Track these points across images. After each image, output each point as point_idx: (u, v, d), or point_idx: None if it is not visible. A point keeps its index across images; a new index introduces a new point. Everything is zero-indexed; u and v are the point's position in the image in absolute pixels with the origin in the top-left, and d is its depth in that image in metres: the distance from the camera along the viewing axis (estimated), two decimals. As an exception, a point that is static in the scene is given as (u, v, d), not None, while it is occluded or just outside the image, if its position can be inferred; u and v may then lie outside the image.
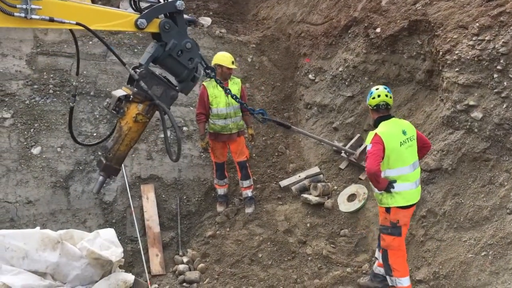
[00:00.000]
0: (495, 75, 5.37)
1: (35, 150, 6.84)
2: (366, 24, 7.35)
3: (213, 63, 6.65)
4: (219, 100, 6.66)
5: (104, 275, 4.05)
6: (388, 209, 4.93)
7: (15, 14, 2.86)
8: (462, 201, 5.43)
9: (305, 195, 6.90)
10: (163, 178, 7.25)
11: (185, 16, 9.83)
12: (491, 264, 4.89)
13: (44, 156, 6.84)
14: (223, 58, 6.62)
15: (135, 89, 3.44)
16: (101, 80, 7.52)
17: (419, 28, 6.54)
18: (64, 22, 3.02)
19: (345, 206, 6.64)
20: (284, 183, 7.35)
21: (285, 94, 8.65)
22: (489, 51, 5.41)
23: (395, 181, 4.82)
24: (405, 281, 4.97)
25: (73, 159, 6.94)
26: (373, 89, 5.05)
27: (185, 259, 6.52)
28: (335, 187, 6.99)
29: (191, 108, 7.81)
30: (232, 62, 6.65)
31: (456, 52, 5.72)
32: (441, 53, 5.94)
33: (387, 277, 5.06)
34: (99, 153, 6.98)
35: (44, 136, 6.94)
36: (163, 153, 7.34)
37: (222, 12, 10.86)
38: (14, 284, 3.47)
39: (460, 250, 5.19)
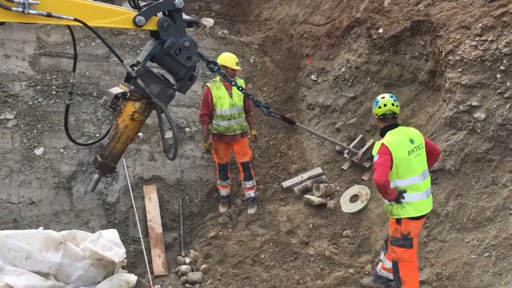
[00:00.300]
0: (498, 76, 5.36)
1: (38, 151, 6.86)
2: (368, 25, 7.35)
3: None
4: (223, 101, 6.66)
5: (107, 275, 4.05)
6: (398, 220, 4.78)
7: (13, 8, 2.84)
8: (465, 202, 5.42)
9: (307, 196, 6.89)
10: (165, 179, 7.26)
11: (188, 17, 9.85)
12: (494, 265, 4.87)
13: (47, 157, 6.86)
14: (227, 59, 6.63)
15: (132, 86, 3.41)
16: (104, 81, 7.54)
17: (422, 28, 6.53)
18: (61, 18, 3.01)
19: (347, 207, 6.63)
20: (286, 184, 7.34)
21: (288, 95, 8.65)
22: (492, 51, 5.40)
23: (405, 191, 4.69)
24: None
25: (76, 160, 6.96)
26: (379, 98, 4.89)
27: (187, 260, 6.52)
28: (338, 188, 6.98)
29: (194, 109, 7.81)
30: (237, 63, 6.65)
31: (459, 52, 5.71)
32: (443, 53, 5.93)
33: None
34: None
35: (47, 137, 6.95)
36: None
37: (225, 13, 10.88)
38: (17, 284, 3.48)
39: (463, 251, 5.18)
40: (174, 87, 3.63)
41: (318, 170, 7.37)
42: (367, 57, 7.32)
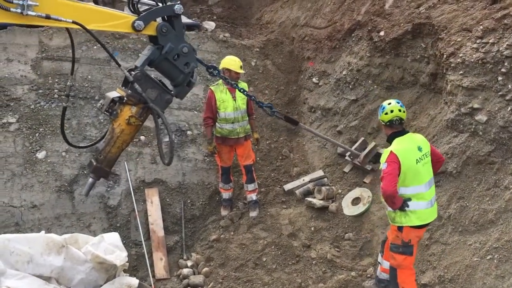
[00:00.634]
0: (500, 78, 5.36)
1: (40, 155, 6.87)
2: (369, 28, 7.35)
3: (221, 67, 6.68)
4: (227, 104, 6.66)
5: (109, 279, 4.05)
6: (400, 228, 4.74)
7: (12, 9, 2.86)
8: (467, 204, 5.41)
9: (309, 199, 6.89)
10: (167, 182, 7.26)
11: (189, 20, 9.85)
12: (497, 267, 4.86)
13: (49, 160, 6.87)
14: (231, 62, 6.64)
15: (129, 91, 3.40)
16: (106, 85, 7.55)
17: (423, 31, 6.53)
18: (60, 20, 3.01)
19: (349, 209, 6.63)
20: (288, 186, 7.34)
21: (289, 97, 8.65)
22: (493, 53, 5.39)
23: (409, 199, 4.64)
24: None
25: (78, 163, 6.97)
26: (385, 103, 4.82)
27: (189, 263, 6.51)
28: (339, 191, 6.98)
29: (195, 112, 7.82)
30: (240, 67, 6.66)
31: (460, 55, 5.71)
32: (445, 56, 5.93)
33: None
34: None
35: (49, 141, 6.96)
36: (167, 157, 7.34)
37: (226, 16, 10.90)
38: (19, 288, 3.48)
39: (465, 254, 5.16)
40: (172, 92, 3.61)
41: (319, 173, 7.37)
42: (368, 60, 7.32)
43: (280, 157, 7.91)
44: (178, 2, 3.48)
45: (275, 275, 6.07)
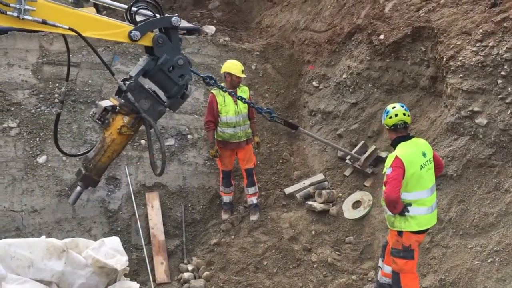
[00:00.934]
0: (499, 81, 5.36)
1: (41, 159, 6.88)
2: (369, 31, 7.37)
3: (222, 71, 6.70)
4: (228, 108, 6.67)
5: (109, 283, 4.05)
6: (400, 233, 4.71)
7: (8, 12, 2.86)
8: (468, 207, 5.40)
9: (309, 202, 6.88)
10: (168, 186, 7.27)
11: (189, 24, 9.85)
12: (498, 271, 4.85)
13: (49, 165, 6.87)
14: (233, 66, 6.65)
15: (122, 100, 3.40)
16: (106, 89, 7.56)
17: (423, 34, 6.55)
18: (56, 26, 3.02)
19: (350, 213, 6.62)
20: (288, 190, 7.34)
21: (289, 101, 8.66)
22: (493, 57, 5.40)
23: (410, 204, 4.61)
24: None
25: (78, 168, 6.96)
26: (389, 107, 4.76)
27: (190, 267, 6.51)
28: (340, 194, 6.97)
29: (196, 116, 7.83)
30: (242, 71, 6.67)
31: (460, 58, 5.72)
32: (444, 59, 5.94)
33: None
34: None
35: (49, 145, 6.97)
36: (168, 161, 7.35)
37: (226, 20, 10.92)
38: (19, 293, 3.48)
39: (466, 257, 5.16)
40: (165, 104, 3.60)
41: (320, 177, 7.37)
42: (368, 63, 7.34)
43: (281, 161, 7.91)
44: (176, 14, 3.49)
45: (276, 279, 6.06)
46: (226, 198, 7.20)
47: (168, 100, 3.67)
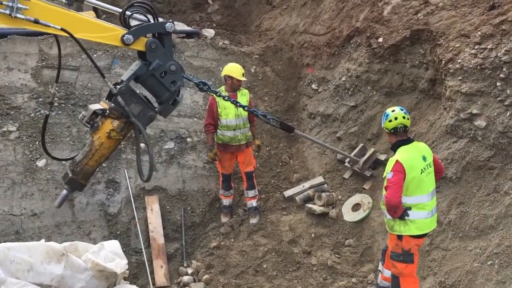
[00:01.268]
0: (498, 84, 5.38)
1: (40, 163, 6.88)
2: (368, 34, 7.38)
3: (223, 74, 6.72)
4: (229, 111, 6.67)
5: (109, 287, 4.04)
6: (400, 237, 4.70)
7: (0, 10, 2.84)
8: (467, 210, 5.41)
9: (309, 205, 6.89)
10: (167, 189, 7.26)
11: (189, 28, 9.83)
12: (497, 273, 4.85)
13: (49, 168, 6.87)
14: (233, 69, 6.66)
15: (112, 104, 3.38)
16: (106, 93, 7.44)
17: (421, 37, 6.56)
18: (48, 26, 3.00)
19: (349, 215, 6.62)
20: (288, 193, 7.34)
21: (289, 104, 8.67)
22: (492, 59, 5.42)
23: (409, 208, 4.59)
24: None
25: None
26: (389, 111, 4.74)
27: (189, 271, 6.50)
28: (340, 197, 6.98)
29: (195, 119, 7.84)
30: (243, 74, 6.68)
31: (459, 60, 5.74)
32: (443, 62, 5.95)
33: None
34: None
35: (49, 149, 6.92)
36: (167, 164, 7.36)
37: (225, 23, 10.94)
38: (19, 297, 3.47)
39: (466, 260, 5.16)
40: (156, 109, 3.58)
41: (319, 179, 7.37)
42: (367, 66, 7.35)
43: (280, 164, 7.91)
44: (170, 20, 3.48)
45: (275, 282, 6.05)
46: (226, 201, 7.20)
47: (159, 106, 3.65)
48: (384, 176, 4.68)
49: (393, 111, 4.71)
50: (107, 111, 3.38)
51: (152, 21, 3.46)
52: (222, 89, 6.74)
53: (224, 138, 6.78)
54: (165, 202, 7.18)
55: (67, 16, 3.15)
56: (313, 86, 8.38)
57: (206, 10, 11.71)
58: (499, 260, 4.90)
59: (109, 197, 6.96)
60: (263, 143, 7.89)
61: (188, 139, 7.69)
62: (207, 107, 6.96)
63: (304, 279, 6.05)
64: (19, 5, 2.90)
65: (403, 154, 4.60)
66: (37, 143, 6.97)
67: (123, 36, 3.29)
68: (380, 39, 7.11)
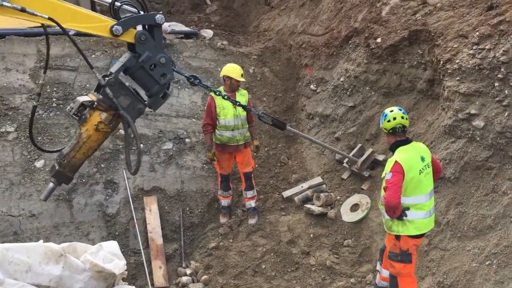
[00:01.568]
0: (496, 84, 5.38)
1: (39, 164, 6.87)
2: (366, 35, 7.39)
3: (221, 74, 6.72)
4: (227, 111, 6.67)
5: (107, 288, 4.04)
6: (398, 237, 4.70)
7: None
8: (466, 210, 5.41)
9: (308, 206, 6.89)
10: (166, 190, 7.26)
11: (187, 28, 9.82)
12: (496, 273, 4.86)
13: (47, 169, 6.85)
14: (232, 70, 6.66)
15: (100, 96, 3.34)
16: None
17: (420, 38, 6.57)
18: (35, 15, 2.97)
19: (348, 216, 6.62)
20: (287, 193, 7.34)
21: (287, 104, 8.67)
22: (490, 59, 5.43)
23: (407, 209, 4.59)
24: None
25: (76, 172, 6.95)
26: (387, 111, 4.72)
27: (188, 271, 6.50)
28: (338, 197, 6.98)
29: (193, 120, 7.83)
30: (241, 75, 6.68)
31: (457, 61, 5.74)
32: (441, 62, 5.96)
33: None
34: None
35: (47, 149, 6.95)
36: (166, 165, 7.36)
37: (224, 24, 10.94)
38: (17, 298, 3.47)
39: (464, 260, 5.16)
40: (145, 102, 3.56)
41: (318, 180, 7.37)
42: (365, 67, 7.35)
43: (279, 164, 7.92)
44: (161, 12, 3.46)
45: (274, 283, 6.05)
46: (225, 202, 7.20)
47: (148, 99, 3.62)
48: (382, 176, 4.68)
49: (391, 111, 4.69)
50: (95, 103, 3.34)
51: (142, 12, 3.44)
52: (221, 89, 6.73)
53: (223, 139, 6.78)
54: (163, 203, 7.18)
55: (55, 5, 3.11)
56: (312, 86, 8.39)
57: (205, 10, 11.72)
58: (497, 260, 4.91)
59: (107, 197, 6.95)
60: (261, 143, 7.89)
61: (187, 140, 7.68)
62: (205, 107, 6.95)
63: (303, 279, 6.06)
64: None
65: (401, 154, 4.60)
66: (35, 143, 6.95)
67: (112, 27, 3.26)
68: (379, 40, 7.12)
